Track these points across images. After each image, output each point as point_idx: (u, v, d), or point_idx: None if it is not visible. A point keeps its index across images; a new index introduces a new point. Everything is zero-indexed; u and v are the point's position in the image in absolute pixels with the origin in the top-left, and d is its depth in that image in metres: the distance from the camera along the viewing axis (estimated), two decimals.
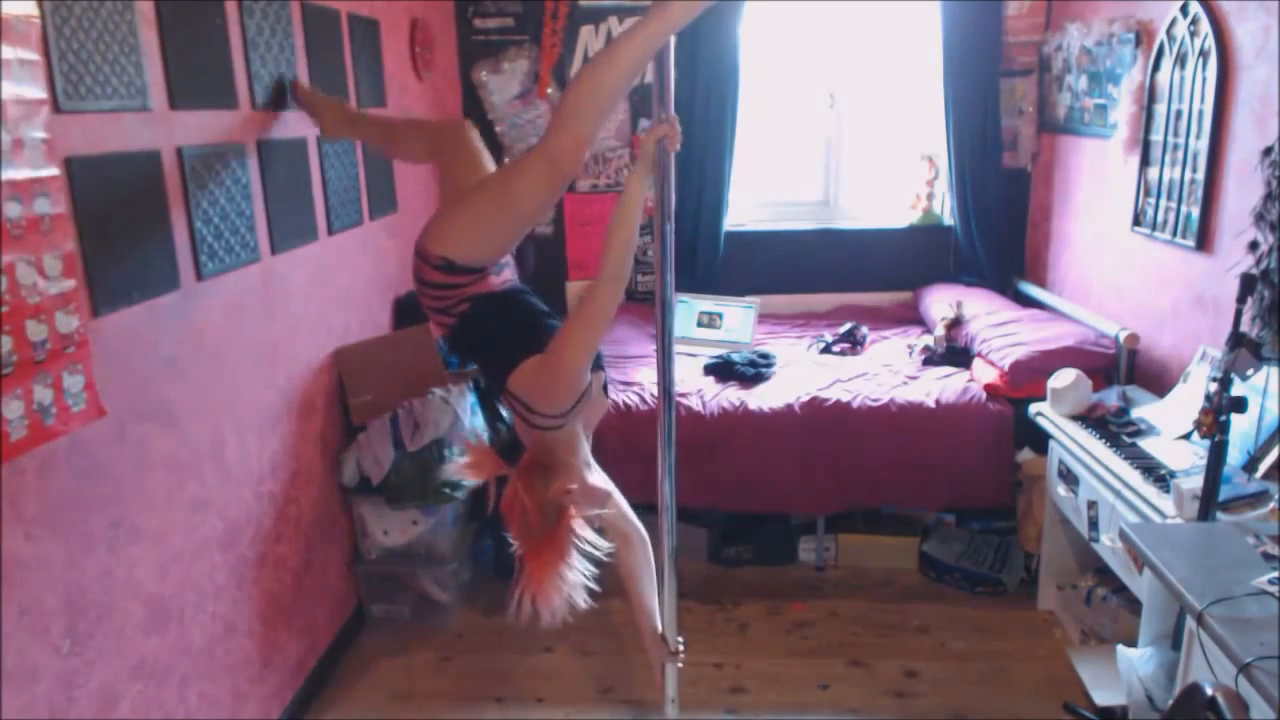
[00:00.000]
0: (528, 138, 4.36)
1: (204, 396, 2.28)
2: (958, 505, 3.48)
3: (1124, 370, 3.21)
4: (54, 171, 1.70)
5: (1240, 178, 2.69)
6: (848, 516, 3.60)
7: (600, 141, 4.37)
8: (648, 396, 3.42)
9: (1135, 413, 2.88)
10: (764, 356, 3.78)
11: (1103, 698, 2.67)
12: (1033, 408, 3.12)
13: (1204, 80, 2.85)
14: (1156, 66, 3.15)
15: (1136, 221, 3.30)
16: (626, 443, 3.28)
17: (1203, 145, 2.85)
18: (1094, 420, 2.87)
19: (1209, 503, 2.11)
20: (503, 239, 2.03)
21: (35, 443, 1.66)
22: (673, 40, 1.83)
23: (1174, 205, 3.04)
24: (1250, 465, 2.32)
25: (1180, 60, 3.00)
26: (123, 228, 1.95)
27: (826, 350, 3.96)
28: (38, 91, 1.67)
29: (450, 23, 4.28)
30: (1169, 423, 2.74)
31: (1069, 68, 3.84)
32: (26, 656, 1.70)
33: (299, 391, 2.81)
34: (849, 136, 4.54)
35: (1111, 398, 3.01)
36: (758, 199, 4.65)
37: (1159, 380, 3.12)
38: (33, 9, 1.68)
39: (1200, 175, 2.87)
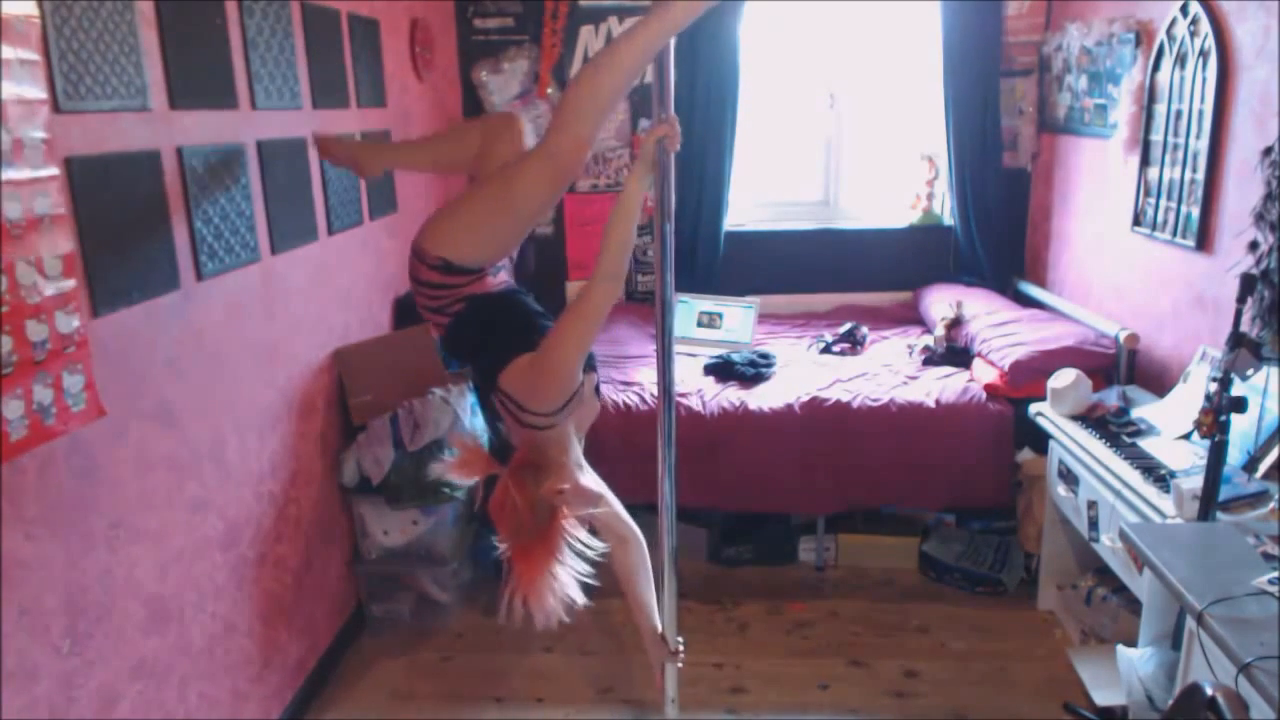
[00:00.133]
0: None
1: (204, 396, 2.28)
2: (958, 505, 3.48)
3: (1124, 370, 3.21)
4: (54, 171, 1.70)
5: (1240, 178, 2.69)
6: (848, 516, 3.60)
7: (600, 141, 4.37)
8: (648, 396, 3.42)
9: (1135, 413, 2.88)
10: (764, 356, 3.78)
11: (1103, 698, 2.67)
12: (1033, 408, 3.12)
13: (1204, 80, 2.85)
14: (1156, 66, 3.15)
15: (1136, 221, 3.30)
16: (626, 443, 3.28)
17: (1203, 145, 2.85)
18: (1094, 420, 2.87)
19: (1209, 503, 2.11)
20: (502, 240, 2.03)
21: (35, 443, 1.65)
22: (673, 40, 1.83)
23: (1174, 205, 3.04)
24: (1250, 465, 2.32)
25: (1180, 60, 3.00)
26: (123, 228, 1.95)
27: (826, 350, 3.96)
28: (38, 91, 1.67)
29: (450, 23, 4.28)
30: (1169, 423, 2.74)
31: (1069, 68, 3.84)
32: (26, 656, 1.70)
33: (299, 391, 2.81)
34: (849, 136, 4.54)
35: (1111, 398, 3.01)
36: (758, 199, 4.65)
37: (1159, 380, 3.12)
38: (33, 9, 1.67)
39: (1200, 175, 2.87)
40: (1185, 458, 2.49)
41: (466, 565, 3.43)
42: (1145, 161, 3.23)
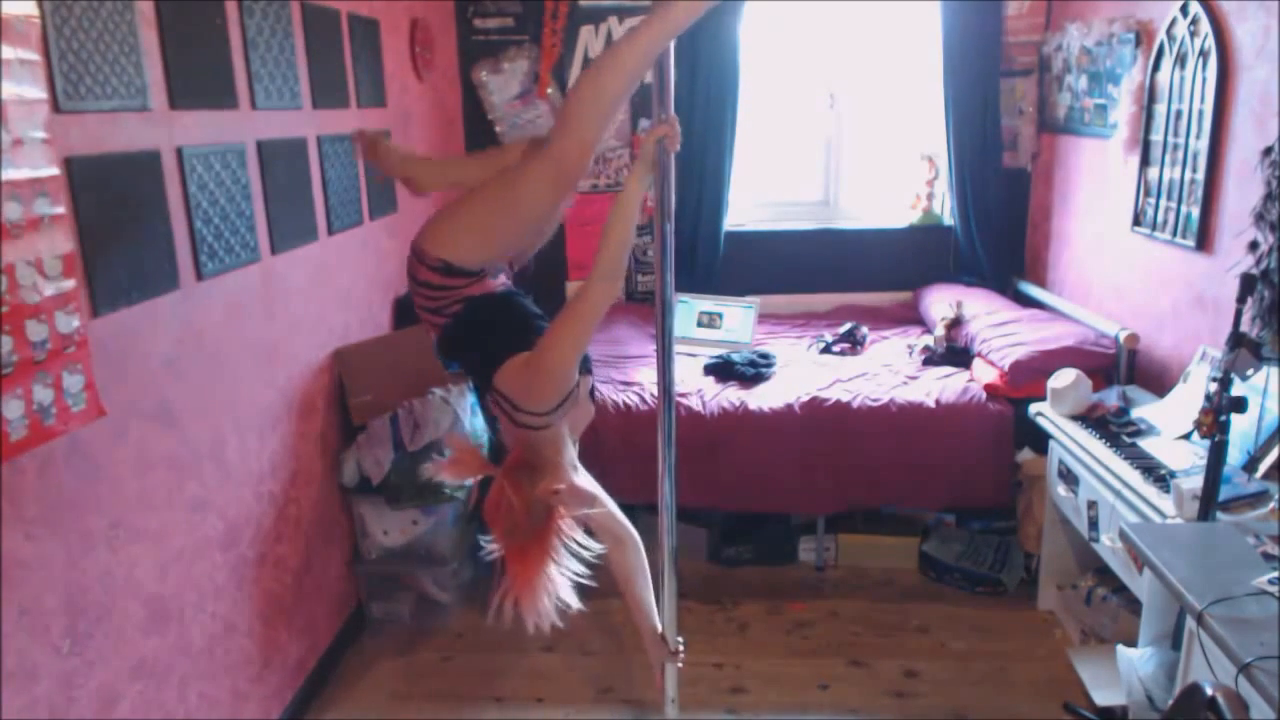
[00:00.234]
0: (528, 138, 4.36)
1: (204, 396, 2.28)
2: (958, 505, 3.48)
3: (1124, 370, 3.21)
4: (54, 171, 1.70)
5: (1240, 178, 2.69)
6: (848, 516, 3.60)
7: (600, 142, 4.37)
8: (648, 396, 3.42)
9: (1135, 413, 2.88)
10: (764, 356, 3.78)
11: (1103, 698, 2.67)
12: (1033, 408, 3.12)
13: (1204, 80, 2.85)
14: (1156, 66, 3.15)
15: (1136, 221, 3.30)
16: (626, 443, 3.28)
17: (1203, 145, 2.85)
18: (1094, 420, 2.87)
19: (1209, 503, 2.10)
20: (503, 243, 2.01)
21: (35, 443, 1.65)
22: (673, 41, 1.83)
23: (1174, 205, 3.04)
24: (1250, 465, 2.32)
25: (1180, 60, 3.00)
26: (123, 228, 1.95)
27: (826, 350, 3.96)
28: (38, 91, 1.67)
29: (450, 23, 4.28)
30: (1169, 423, 2.74)
31: (1069, 68, 3.84)
32: (26, 656, 1.70)
33: (299, 391, 2.81)
34: (849, 136, 4.54)
35: (1111, 398, 3.01)
36: (758, 199, 4.65)
37: (1159, 380, 3.12)
38: (33, 9, 1.67)
39: (1200, 175, 2.87)
40: (1185, 458, 2.49)
41: (466, 565, 3.43)
42: (1145, 161, 3.23)
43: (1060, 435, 2.90)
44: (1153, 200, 3.18)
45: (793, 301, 4.56)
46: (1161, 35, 3.10)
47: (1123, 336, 3.21)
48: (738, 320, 4.12)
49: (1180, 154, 3.00)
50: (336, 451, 3.06)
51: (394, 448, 3.00)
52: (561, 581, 1.95)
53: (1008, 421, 3.27)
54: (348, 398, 3.08)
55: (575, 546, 1.99)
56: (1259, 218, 2.45)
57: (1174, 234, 3.04)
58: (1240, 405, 2.04)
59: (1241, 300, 2.12)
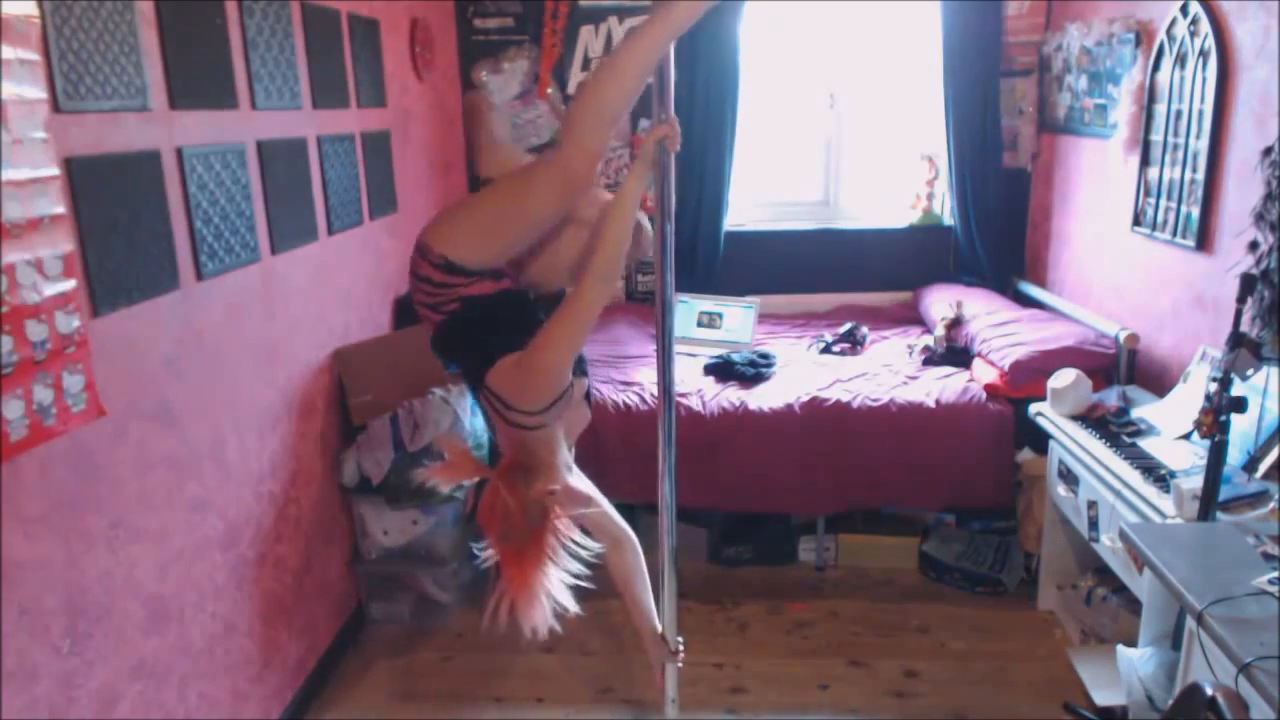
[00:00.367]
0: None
1: (204, 396, 2.28)
2: (958, 505, 3.48)
3: (1124, 370, 3.21)
4: (54, 171, 1.70)
5: (1240, 178, 2.69)
6: (848, 516, 3.60)
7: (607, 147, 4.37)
8: (648, 396, 3.41)
9: (1135, 413, 2.88)
10: (764, 356, 3.78)
11: (1103, 698, 2.67)
12: (1033, 408, 3.12)
13: (1204, 80, 2.85)
14: (1156, 66, 3.15)
15: (1136, 221, 3.30)
16: (626, 443, 3.28)
17: (1203, 145, 2.85)
18: (1094, 420, 2.87)
19: (1209, 503, 2.10)
20: (506, 246, 2.00)
21: (35, 442, 1.66)
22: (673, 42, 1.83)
23: (1174, 205, 3.04)
24: (1250, 465, 2.32)
25: (1180, 60, 3.00)
26: (123, 228, 1.95)
27: (826, 350, 3.96)
28: (38, 91, 1.67)
29: (450, 23, 4.28)
30: (1169, 423, 2.74)
31: (1069, 68, 3.84)
32: (26, 656, 1.70)
33: (299, 391, 2.81)
34: (849, 136, 4.54)
35: (1111, 398, 3.01)
36: (758, 199, 4.65)
37: (1159, 380, 3.12)
38: (33, 9, 1.68)
39: (1200, 175, 2.87)
40: (1185, 458, 2.49)
41: (466, 565, 3.42)
42: (1145, 161, 3.23)
43: (1060, 435, 2.90)
44: (1153, 200, 3.18)
45: (793, 301, 4.56)
46: (1161, 35, 3.10)
47: (1123, 336, 3.21)
48: (738, 320, 4.12)
49: (1180, 154, 3.00)
50: (336, 451, 3.06)
51: (394, 448, 3.00)
52: (558, 584, 1.94)
53: (1008, 421, 3.27)
54: (348, 398, 3.08)
55: (573, 547, 1.99)
56: (1259, 218, 2.45)
57: (1174, 234, 3.04)
58: (1240, 405, 2.04)
59: (1241, 300, 2.12)
